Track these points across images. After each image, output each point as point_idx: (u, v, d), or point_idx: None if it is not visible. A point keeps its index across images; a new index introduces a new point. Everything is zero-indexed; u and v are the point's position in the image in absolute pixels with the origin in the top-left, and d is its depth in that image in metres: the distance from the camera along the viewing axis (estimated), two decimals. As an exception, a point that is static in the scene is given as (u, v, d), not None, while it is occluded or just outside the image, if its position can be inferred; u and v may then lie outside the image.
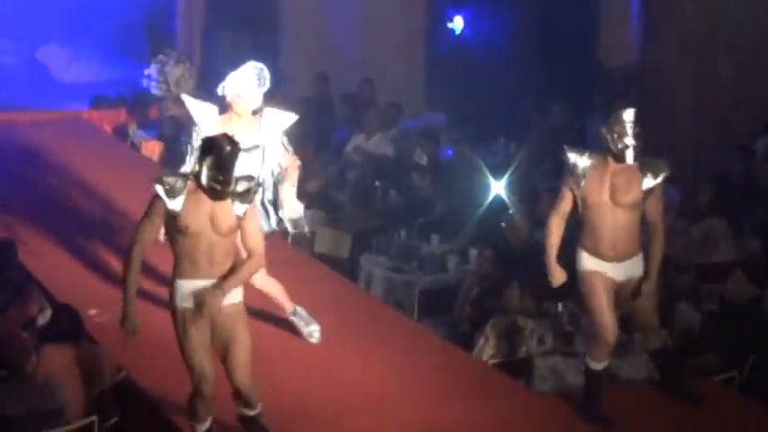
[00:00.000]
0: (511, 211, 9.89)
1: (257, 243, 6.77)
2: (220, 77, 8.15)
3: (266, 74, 8.05)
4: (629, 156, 7.14)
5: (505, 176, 9.95)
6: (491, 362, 8.43)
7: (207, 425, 6.80)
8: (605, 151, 7.21)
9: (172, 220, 6.57)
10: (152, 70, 14.83)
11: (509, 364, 8.36)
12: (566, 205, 7.34)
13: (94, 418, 7.19)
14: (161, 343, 7.33)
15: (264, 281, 8.11)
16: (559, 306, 8.53)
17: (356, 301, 9.40)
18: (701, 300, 9.73)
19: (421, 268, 10.30)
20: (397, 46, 15.73)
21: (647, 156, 7.31)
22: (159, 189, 6.55)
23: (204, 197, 6.55)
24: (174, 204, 6.54)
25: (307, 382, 7.83)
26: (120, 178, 11.28)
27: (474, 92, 15.11)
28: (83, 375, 7.42)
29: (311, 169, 10.92)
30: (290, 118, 8.20)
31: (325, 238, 11.15)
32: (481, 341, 8.62)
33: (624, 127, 7.13)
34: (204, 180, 6.52)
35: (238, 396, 6.78)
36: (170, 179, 6.58)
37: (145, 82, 14.89)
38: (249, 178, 6.76)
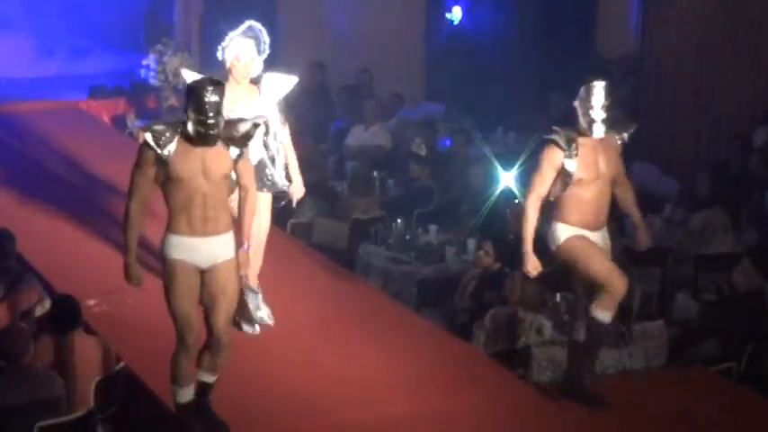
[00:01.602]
0: (518, 201, 9.87)
1: (252, 179, 6.84)
2: (219, 67, 8.10)
3: (265, 37, 7.89)
4: (597, 129, 7.20)
5: (515, 167, 9.94)
6: (490, 352, 8.44)
7: (190, 392, 6.78)
8: (577, 125, 7.24)
9: (163, 169, 6.49)
10: (150, 60, 14.81)
11: (508, 354, 8.37)
12: (546, 188, 7.33)
13: (93, 407, 7.19)
14: (159, 333, 7.33)
15: (257, 259, 8.09)
16: (558, 296, 8.53)
17: (354, 292, 9.40)
18: (699, 290, 9.74)
19: (419, 258, 10.30)
20: (395, 36, 15.72)
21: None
22: (148, 137, 6.47)
23: (194, 146, 6.47)
24: (165, 153, 6.45)
25: (303, 372, 7.83)
26: (118, 168, 11.26)
27: (472, 82, 15.10)
28: (81, 365, 7.42)
29: (310, 160, 10.91)
30: (291, 81, 8.03)
31: (323, 228, 11.15)
32: (480, 332, 8.62)
33: (592, 101, 7.17)
34: (190, 126, 6.43)
35: (210, 352, 6.75)
36: (159, 128, 6.50)
37: (143, 72, 14.87)
38: (248, 119, 6.71)
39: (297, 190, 8.23)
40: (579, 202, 7.29)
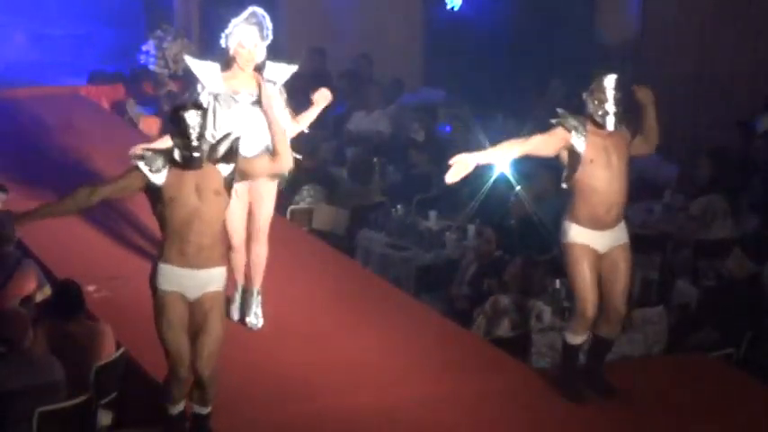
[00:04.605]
0: (519, 188, 9.86)
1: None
2: (218, 52, 8.08)
3: (269, 23, 7.87)
4: (610, 122, 7.15)
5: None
6: (489, 338, 8.45)
7: (180, 407, 6.76)
8: (588, 117, 7.21)
9: (156, 195, 6.50)
10: (150, 46, 14.80)
11: (507, 340, 8.38)
12: (530, 146, 7.26)
13: (93, 393, 7.20)
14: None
15: (266, 252, 8.11)
16: (557, 282, 8.53)
17: (354, 277, 9.41)
18: (698, 276, 9.75)
19: (419, 244, 10.30)
20: (395, 22, 15.71)
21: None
22: (141, 164, 6.49)
23: (184, 171, 6.48)
24: (157, 179, 6.47)
25: (302, 357, 7.84)
26: (117, 154, 11.23)
27: (472, 68, 15.09)
28: (81, 351, 7.43)
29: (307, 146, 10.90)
30: (290, 69, 8.03)
31: (322, 214, 11.15)
32: (480, 317, 8.63)
33: (605, 93, 7.13)
34: (176, 152, 6.46)
35: (196, 387, 6.67)
36: (150, 155, 6.53)
37: (143, 58, 14.85)
38: (227, 136, 6.71)
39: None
40: (590, 193, 7.19)
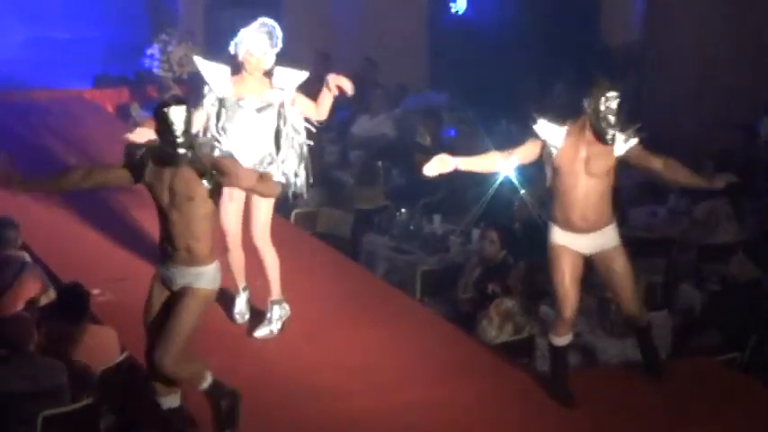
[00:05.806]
0: (523, 191, 9.86)
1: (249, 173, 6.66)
2: (223, 56, 8.10)
3: (278, 32, 7.90)
4: (609, 134, 7.07)
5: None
6: (494, 342, 8.44)
7: (169, 402, 6.79)
8: (584, 121, 7.17)
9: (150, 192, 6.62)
10: (154, 50, 14.83)
11: (511, 344, 8.37)
12: (517, 157, 7.33)
13: (97, 397, 7.20)
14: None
15: (272, 257, 8.11)
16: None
17: (358, 281, 9.41)
18: (702, 280, 9.75)
19: (423, 248, 10.30)
20: (400, 25, 15.73)
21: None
22: (127, 156, 6.57)
23: (163, 168, 6.52)
24: (138, 172, 6.55)
25: (307, 362, 7.84)
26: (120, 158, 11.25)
27: (476, 71, 15.10)
28: (86, 354, 7.44)
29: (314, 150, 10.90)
30: (302, 75, 8.02)
31: (327, 217, 11.16)
32: (485, 321, 8.62)
33: (605, 105, 7.08)
34: (161, 148, 6.50)
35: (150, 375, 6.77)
36: (135, 150, 6.57)
37: (147, 61, 14.88)
38: (208, 142, 6.86)
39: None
40: (562, 198, 7.21)
